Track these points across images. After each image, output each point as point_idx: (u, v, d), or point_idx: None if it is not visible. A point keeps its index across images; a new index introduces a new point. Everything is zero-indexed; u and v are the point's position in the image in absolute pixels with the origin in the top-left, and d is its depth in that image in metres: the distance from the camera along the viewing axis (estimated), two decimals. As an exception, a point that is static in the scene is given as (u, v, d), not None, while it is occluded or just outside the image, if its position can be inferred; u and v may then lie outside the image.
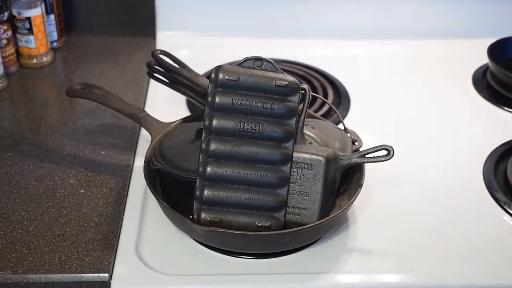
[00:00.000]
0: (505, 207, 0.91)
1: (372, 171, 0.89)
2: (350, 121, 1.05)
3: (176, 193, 0.87)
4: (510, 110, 1.14)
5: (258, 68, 0.82)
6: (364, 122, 1.07)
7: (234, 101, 0.81)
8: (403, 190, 0.95)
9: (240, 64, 0.82)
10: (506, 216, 0.91)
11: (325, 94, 1.15)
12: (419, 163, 1.00)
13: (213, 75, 0.81)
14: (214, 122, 0.80)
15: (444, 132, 1.08)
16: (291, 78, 0.82)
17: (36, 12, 1.21)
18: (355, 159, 0.85)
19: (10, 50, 1.21)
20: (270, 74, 0.82)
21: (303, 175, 0.82)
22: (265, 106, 0.81)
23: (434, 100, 1.17)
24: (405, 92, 1.19)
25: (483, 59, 1.23)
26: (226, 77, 0.81)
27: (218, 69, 0.81)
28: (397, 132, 1.07)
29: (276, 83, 0.81)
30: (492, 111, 1.15)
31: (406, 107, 1.15)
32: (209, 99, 0.81)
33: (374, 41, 1.32)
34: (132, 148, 1.02)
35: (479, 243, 0.87)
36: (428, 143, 1.05)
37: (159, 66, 0.96)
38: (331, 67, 1.24)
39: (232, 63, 0.83)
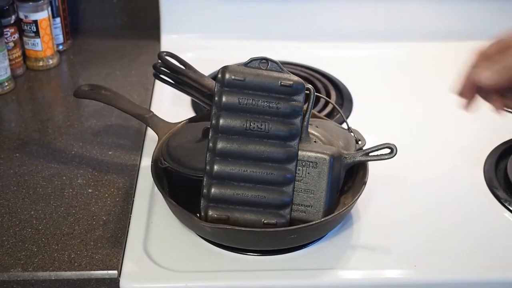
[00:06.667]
0: (506, 204, 0.93)
1: (375, 170, 0.90)
2: (353, 121, 1.07)
3: (183, 191, 0.88)
4: (509, 110, 1.15)
5: (264, 68, 0.84)
6: (366, 122, 1.08)
7: (240, 100, 0.82)
8: (405, 188, 0.96)
9: (246, 64, 0.83)
10: (507, 213, 0.92)
11: (328, 95, 1.17)
12: (421, 161, 1.02)
13: (219, 75, 0.83)
14: (221, 121, 0.82)
15: (445, 131, 1.10)
16: (296, 78, 0.84)
17: (42, 15, 1.22)
18: (359, 157, 0.86)
19: (17, 52, 1.22)
20: (276, 74, 0.83)
21: (308, 173, 0.83)
22: (270, 105, 0.82)
23: (434, 100, 1.18)
24: (406, 92, 1.21)
25: (483, 60, 1.25)
26: (233, 77, 0.82)
27: (224, 69, 0.83)
28: (399, 131, 1.08)
29: (282, 83, 0.82)
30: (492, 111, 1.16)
31: (407, 107, 1.16)
32: (216, 98, 0.83)
33: (375, 43, 1.33)
34: (138, 148, 1.03)
35: (481, 239, 0.88)
36: (429, 142, 1.07)
37: (165, 68, 0.97)
38: (333, 69, 1.25)
39: (238, 64, 0.85)
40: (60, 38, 1.31)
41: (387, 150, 0.85)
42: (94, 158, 1.02)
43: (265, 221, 0.82)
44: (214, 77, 0.86)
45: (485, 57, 0.78)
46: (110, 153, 1.03)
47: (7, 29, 1.19)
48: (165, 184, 0.90)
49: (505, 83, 0.76)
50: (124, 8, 1.39)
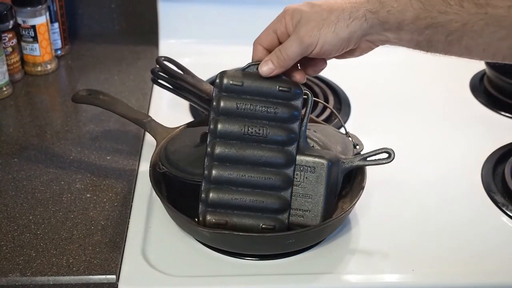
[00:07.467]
0: (503, 208, 0.93)
1: (373, 175, 0.91)
2: (351, 126, 1.07)
3: (181, 196, 0.89)
4: (506, 114, 1.16)
5: (262, 73, 0.84)
6: (364, 127, 1.08)
7: (238, 105, 0.82)
8: (403, 193, 0.97)
9: (244, 69, 0.83)
10: (504, 217, 0.93)
11: (326, 100, 1.17)
12: (419, 166, 1.02)
13: (217, 80, 0.83)
14: (219, 126, 0.82)
15: (443, 136, 1.10)
16: (294, 82, 0.84)
17: (40, 21, 1.23)
18: (357, 162, 0.86)
19: (15, 58, 1.22)
20: (273, 79, 0.83)
21: (306, 178, 0.83)
22: (268, 110, 0.82)
23: (433, 105, 1.19)
24: (404, 97, 1.21)
25: (481, 65, 1.25)
26: (231, 82, 0.82)
27: (222, 74, 0.83)
28: (397, 136, 1.09)
29: (280, 88, 0.82)
30: (490, 116, 1.17)
31: (406, 112, 1.16)
32: (214, 103, 0.83)
33: (373, 48, 1.33)
34: (137, 153, 1.04)
35: (478, 243, 0.88)
36: (427, 147, 1.07)
37: (163, 73, 0.98)
38: (331, 74, 1.25)
39: (236, 69, 0.85)
40: (58, 43, 1.32)
41: (385, 155, 0.85)
42: (92, 163, 1.02)
43: (263, 226, 0.82)
44: (212, 82, 0.87)
45: (263, 48, 0.82)
46: (108, 158, 1.03)
47: (5, 34, 1.19)
48: (163, 189, 0.91)
49: (286, 68, 0.80)
50: (122, 13, 1.39)
